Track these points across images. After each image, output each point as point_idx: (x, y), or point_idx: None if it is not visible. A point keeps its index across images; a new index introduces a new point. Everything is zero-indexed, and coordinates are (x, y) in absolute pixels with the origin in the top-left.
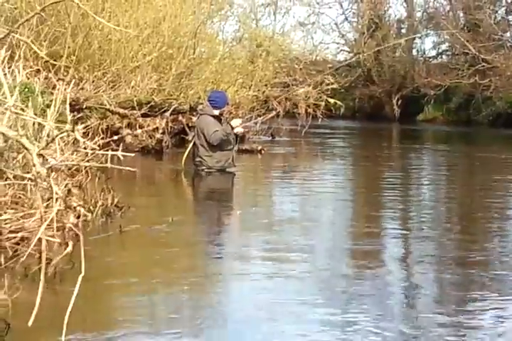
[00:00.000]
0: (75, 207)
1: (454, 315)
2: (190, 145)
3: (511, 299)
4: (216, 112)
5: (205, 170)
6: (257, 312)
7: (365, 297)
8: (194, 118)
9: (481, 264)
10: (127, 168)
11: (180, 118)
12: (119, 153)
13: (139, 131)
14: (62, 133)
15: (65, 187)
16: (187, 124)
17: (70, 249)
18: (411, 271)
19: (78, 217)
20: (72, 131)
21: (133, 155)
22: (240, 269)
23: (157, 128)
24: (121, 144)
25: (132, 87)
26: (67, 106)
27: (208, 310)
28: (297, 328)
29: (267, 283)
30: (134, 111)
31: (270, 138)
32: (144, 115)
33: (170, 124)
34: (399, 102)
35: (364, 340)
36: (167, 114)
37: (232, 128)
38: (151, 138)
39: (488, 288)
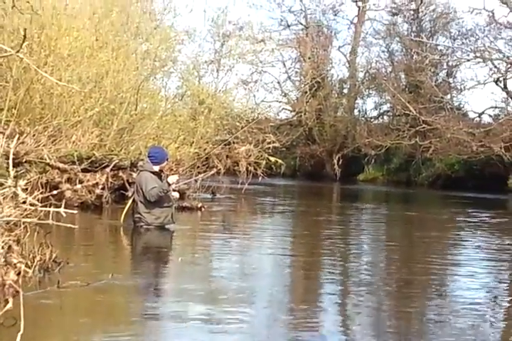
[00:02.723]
0: (15, 264)
1: None
2: (130, 201)
3: None
4: (156, 168)
5: (144, 226)
6: None
7: None
8: (134, 175)
9: None
10: (69, 225)
11: (120, 173)
12: (62, 210)
13: (78, 186)
14: (4, 188)
15: (5, 243)
16: (127, 180)
17: (10, 305)
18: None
19: (18, 274)
20: (15, 186)
21: (75, 212)
22: (176, 331)
23: (97, 183)
24: (62, 199)
25: (73, 142)
26: (10, 161)
27: None
28: None
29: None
30: (74, 166)
31: (211, 195)
32: (84, 170)
33: (110, 180)
34: (340, 162)
35: None
36: (107, 169)
37: (169, 184)
38: (90, 193)
39: None
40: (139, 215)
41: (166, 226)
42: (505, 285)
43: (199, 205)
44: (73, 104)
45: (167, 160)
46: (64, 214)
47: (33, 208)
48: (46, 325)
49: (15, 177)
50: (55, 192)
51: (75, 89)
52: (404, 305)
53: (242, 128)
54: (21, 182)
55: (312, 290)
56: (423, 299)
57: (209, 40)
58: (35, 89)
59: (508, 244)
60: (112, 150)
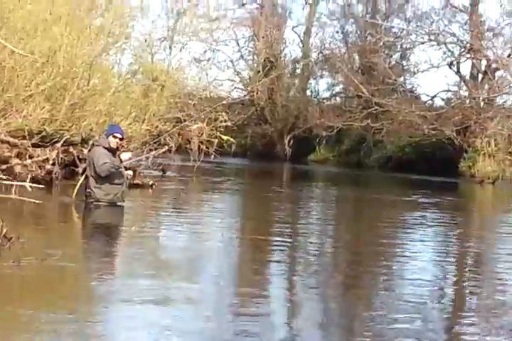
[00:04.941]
0: None
1: None
2: (83, 177)
3: None
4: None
5: (94, 202)
6: None
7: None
8: (85, 151)
9: None
10: (32, 200)
11: (71, 149)
12: (27, 184)
13: (28, 161)
14: None
15: None
16: (78, 156)
17: None
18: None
19: None
20: None
21: (42, 186)
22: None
23: (47, 158)
24: (12, 174)
25: (24, 116)
26: None
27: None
28: None
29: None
30: (25, 141)
31: (161, 173)
32: (34, 145)
33: (61, 155)
34: (291, 142)
35: None
36: (58, 144)
37: (121, 161)
38: (40, 168)
39: None
40: (89, 190)
41: (117, 203)
42: (452, 259)
43: (150, 183)
44: (25, 78)
45: (121, 135)
46: (30, 189)
47: None
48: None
49: None
50: (4, 166)
51: (27, 63)
52: (352, 280)
53: (193, 105)
54: None
55: (259, 269)
56: (371, 270)
57: (163, 17)
58: None
59: (457, 222)
60: (63, 126)
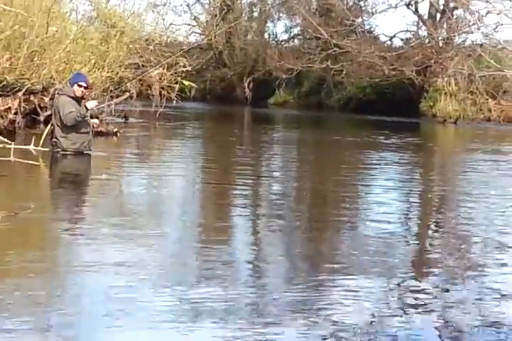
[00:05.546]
0: None
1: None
2: (49, 126)
3: None
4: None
5: (61, 152)
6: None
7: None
8: (46, 99)
9: None
10: (31, 162)
11: (32, 98)
12: (32, 148)
13: None
14: None
15: None
16: (39, 104)
17: None
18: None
19: None
20: None
21: (47, 149)
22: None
23: (9, 108)
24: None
25: None
26: None
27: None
28: None
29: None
30: None
31: (123, 119)
32: None
33: (22, 104)
34: (250, 85)
35: None
36: (20, 94)
37: (87, 109)
38: (2, 118)
39: None
40: (55, 139)
41: (84, 152)
42: (415, 204)
43: (114, 130)
44: None
45: (86, 83)
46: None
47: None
48: None
49: None
50: None
51: None
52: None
53: (151, 51)
54: None
55: (222, 217)
56: (335, 215)
57: None
58: None
59: (419, 162)
60: (23, 75)
